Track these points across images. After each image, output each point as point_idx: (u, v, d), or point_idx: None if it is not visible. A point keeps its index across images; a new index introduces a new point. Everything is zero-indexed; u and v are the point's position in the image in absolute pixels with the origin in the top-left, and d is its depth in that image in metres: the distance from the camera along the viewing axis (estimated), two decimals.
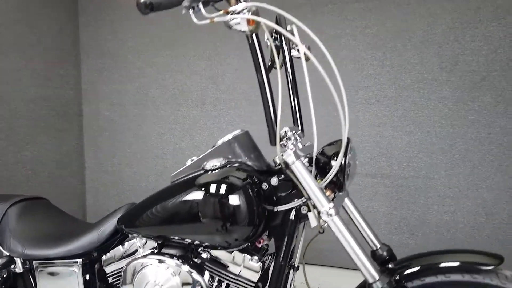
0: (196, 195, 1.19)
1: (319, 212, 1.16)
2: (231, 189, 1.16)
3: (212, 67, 3.28)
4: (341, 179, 1.15)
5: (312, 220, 1.21)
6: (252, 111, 3.19)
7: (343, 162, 1.13)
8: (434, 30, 2.76)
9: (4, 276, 1.44)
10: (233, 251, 1.22)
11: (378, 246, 1.31)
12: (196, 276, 1.18)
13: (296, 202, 1.19)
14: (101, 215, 3.57)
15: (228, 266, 1.21)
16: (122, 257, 1.34)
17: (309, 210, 1.19)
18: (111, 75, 3.56)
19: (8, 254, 1.47)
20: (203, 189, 1.19)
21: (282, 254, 1.21)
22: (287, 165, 1.14)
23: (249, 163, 1.26)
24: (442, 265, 1.10)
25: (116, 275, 1.36)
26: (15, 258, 1.44)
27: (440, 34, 2.75)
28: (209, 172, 1.21)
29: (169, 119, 3.42)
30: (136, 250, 1.32)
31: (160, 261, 1.22)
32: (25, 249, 1.46)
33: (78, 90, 3.58)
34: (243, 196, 1.15)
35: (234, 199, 1.15)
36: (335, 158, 1.14)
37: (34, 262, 1.46)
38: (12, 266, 1.44)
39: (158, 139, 3.47)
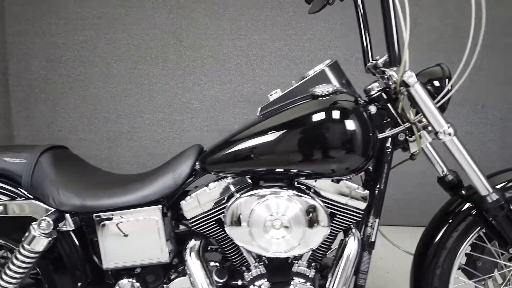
0: (309, 122, 1.12)
1: (419, 136, 1.19)
2: (351, 115, 1.12)
3: (174, 20, 3.02)
4: (446, 103, 1.20)
5: (413, 145, 1.23)
6: (220, 70, 3.05)
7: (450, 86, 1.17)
8: None
9: (53, 238, 1.15)
10: (339, 181, 1.18)
11: (446, 172, 1.39)
12: (314, 202, 1.12)
13: (398, 128, 1.19)
14: None
15: (334, 195, 1.17)
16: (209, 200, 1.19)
17: (408, 136, 1.21)
18: (46, 26, 3.02)
19: (54, 209, 1.18)
20: (319, 115, 1.12)
21: (383, 181, 1.22)
22: (407, 86, 1.13)
23: (344, 91, 1.22)
24: None
25: (200, 220, 1.20)
26: (64, 213, 1.16)
27: None
28: (321, 98, 1.13)
29: (123, 79, 3.07)
30: (226, 191, 1.18)
31: (275, 193, 1.12)
32: (84, 200, 1.19)
33: (1, 43, 2.95)
34: (362, 122, 1.12)
35: (354, 125, 1.11)
36: (443, 83, 1.17)
37: (94, 215, 1.20)
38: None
39: (110, 101, 3.09)
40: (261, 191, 1.13)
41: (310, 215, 1.11)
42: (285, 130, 1.14)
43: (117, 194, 1.20)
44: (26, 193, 1.21)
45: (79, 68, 3.06)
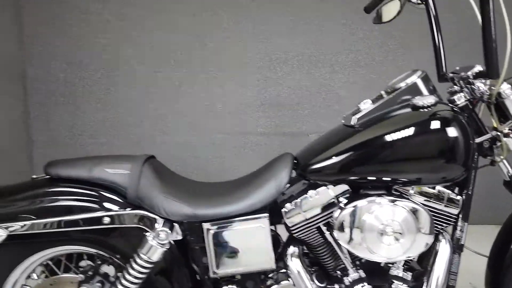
0: (415, 133, 1.18)
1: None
2: (455, 125, 1.18)
3: (198, 24, 3.02)
4: None
5: (498, 152, 1.30)
6: (244, 73, 3.08)
7: None
8: None
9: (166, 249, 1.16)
10: (434, 187, 1.24)
11: None
12: (421, 209, 1.17)
13: (486, 136, 1.26)
14: None
15: (431, 202, 1.23)
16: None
17: (494, 144, 1.28)
18: (67, 28, 2.95)
19: (163, 219, 1.18)
20: (425, 125, 1.17)
21: (470, 186, 1.29)
22: (500, 96, 1.20)
23: (444, 102, 1.28)
24: None
25: (301, 227, 1.24)
26: (163, 230, 1.16)
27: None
28: (423, 110, 1.19)
29: (146, 82, 3.04)
30: (327, 198, 1.22)
31: (385, 200, 1.17)
32: (195, 209, 1.20)
33: (19, 45, 2.87)
34: (464, 132, 1.19)
35: (458, 135, 1.18)
36: None
37: (203, 224, 1.21)
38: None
39: (133, 104, 3.06)
40: (371, 199, 1.18)
41: (419, 221, 1.17)
42: (390, 140, 1.19)
43: (225, 203, 1.22)
44: (130, 203, 1.21)
45: (100, 71, 3.01)
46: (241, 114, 3.13)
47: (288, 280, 1.27)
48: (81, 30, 2.96)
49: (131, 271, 1.18)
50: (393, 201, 1.17)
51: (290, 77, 3.11)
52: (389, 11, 1.47)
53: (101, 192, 1.21)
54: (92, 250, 1.28)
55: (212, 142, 3.13)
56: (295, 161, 1.31)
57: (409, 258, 1.23)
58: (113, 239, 1.22)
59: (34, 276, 1.32)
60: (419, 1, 1.46)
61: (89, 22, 2.96)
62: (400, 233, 1.17)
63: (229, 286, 1.25)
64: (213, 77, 3.07)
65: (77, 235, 1.20)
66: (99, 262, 1.31)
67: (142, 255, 1.17)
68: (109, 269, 1.31)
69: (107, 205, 1.20)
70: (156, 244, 1.16)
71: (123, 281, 1.18)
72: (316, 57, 3.10)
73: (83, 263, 1.34)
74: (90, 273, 1.25)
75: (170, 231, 1.17)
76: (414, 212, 1.17)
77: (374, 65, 3.14)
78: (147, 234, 1.18)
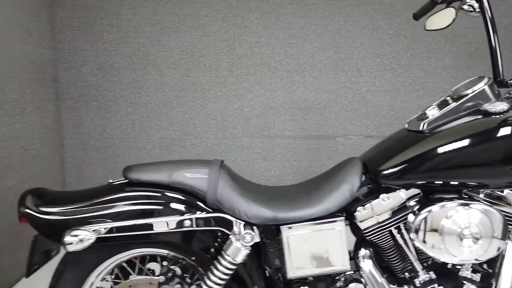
0: (490, 138, 1.21)
1: None
2: None
3: (227, 29, 3.06)
4: None
5: None
6: (272, 77, 3.12)
7: None
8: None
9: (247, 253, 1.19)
10: (503, 190, 1.28)
11: None
12: (497, 212, 1.21)
13: None
14: None
15: (499, 204, 1.27)
16: (383, 211, 1.26)
17: None
18: (98, 33, 2.99)
19: (243, 222, 1.22)
20: (502, 131, 1.20)
21: None
22: None
23: None
24: None
25: (374, 230, 1.27)
26: (247, 232, 1.20)
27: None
28: (497, 116, 1.22)
29: (176, 86, 3.08)
30: (399, 202, 1.26)
31: (464, 205, 1.21)
32: (276, 213, 1.23)
33: (51, 50, 2.90)
34: None
35: None
36: None
37: (282, 227, 1.25)
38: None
39: (163, 108, 3.10)
40: (445, 203, 1.21)
41: (494, 223, 1.20)
42: (464, 145, 1.22)
43: (303, 207, 1.25)
44: (208, 207, 1.24)
45: (131, 75, 3.05)
46: (269, 117, 3.17)
47: (357, 282, 1.30)
48: (112, 35, 2.99)
49: (216, 272, 1.21)
50: (467, 204, 1.21)
51: (317, 81, 3.15)
52: (442, 18, 1.50)
53: (180, 196, 1.24)
54: (165, 252, 1.31)
55: (240, 146, 3.17)
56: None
57: (483, 260, 1.26)
58: (190, 241, 1.25)
59: (109, 278, 1.35)
60: (472, 9, 1.49)
61: (120, 27, 2.99)
62: (478, 235, 1.20)
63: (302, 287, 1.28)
64: (241, 81, 3.11)
65: (158, 238, 1.24)
66: (171, 264, 1.34)
67: (227, 257, 1.20)
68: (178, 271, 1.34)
69: (186, 208, 1.23)
70: (241, 246, 1.20)
71: (208, 282, 1.21)
72: (343, 61, 3.15)
73: (151, 265, 1.37)
74: (169, 274, 1.28)
75: (255, 235, 1.20)
76: (488, 214, 1.21)
77: (400, 69, 3.19)
78: (231, 236, 1.21)
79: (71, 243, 1.14)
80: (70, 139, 3.06)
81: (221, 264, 1.21)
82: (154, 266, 1.38)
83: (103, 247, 1.25)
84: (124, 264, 1.34)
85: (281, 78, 3.13)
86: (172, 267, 1.32)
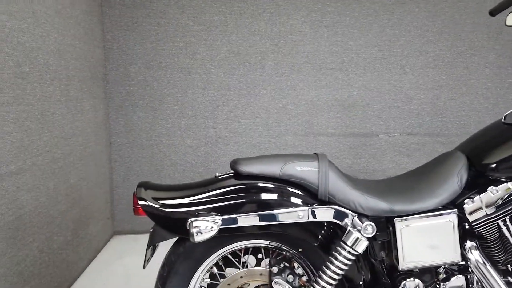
0: None
1: None
2: None
3: (273, 27, 3.09)
4: None
5: None
6: (316, 75, 3.14)
7: None
8: (486, 2, 3.15)
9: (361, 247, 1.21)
10: None
11: None
12: None
13: None
14: (131, 196, 3.06)
15: None
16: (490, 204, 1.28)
17: None
18: (146, 32, 3.02)
19: (357, 213, 1.24)
20: None
21: None
22: None
23: None
24: None
25: (483, 222, 1.29)
26: (370, 224, 1.22)
27: (489, 4, 3.16)
28: None
29: (222, 85, 3.10)
30: (508, 194, 1.28)
31: None
32: (392, 205, 1.26)
33: (100, 50, 2.93)
34: None
35: None
36: None
37: (396, 219, 1.27)
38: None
39: (209, 106, 3.12)
40: None
41: None
42: None
43: (416, 200, 1.27)
44: (318, 200, 1.26)
45: (178, 74, 3.07)
46: (313, 115, 3.19)
47: (460, 274, 1.32)
48: (160, 34, 3.02)
49: (335, 262, 1.23)
50: None
51: (361, 78, 3.17)
52: None
53: (294, 189, 1.26)
54: (272, 244, 1.32)
55: (284, 143, 3.19)
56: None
57: None
58: (299, 233, 1.27)
59: (215, 270, 1.37)
60: None
61: (168, 26, 3.02)
62: None
63: (408, 280, 1.30)
64: (286, 79, 3.13)
65: (269, 229, 1.25)
66: (276, 256, 1.36)
67: (347, 247, 1.22)
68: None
69: (297, 200, 1.25)
70: (362, 237, 1.22)
71: (328, 272, 1.23)
72: (387, 58, 3.17)
73: (246, 258, 1.39)
74: (281, 265, 1.30)
75: (375, 226, 1.22)
76: None
77: (443, 66, 3.20)
78: (349, 228, 1.23)
79: (198, 233, 1.16)
80: (118, 137, 3.08)
81: (341, 254, 1.23)
82: (250, 259, 1.40)
83: (212, 240, 1.27)
84: (229, 256, 1.36)
85: (325, 76, 3.15)
86: (283, 258, 1.34)
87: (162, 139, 3.12)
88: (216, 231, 1.18)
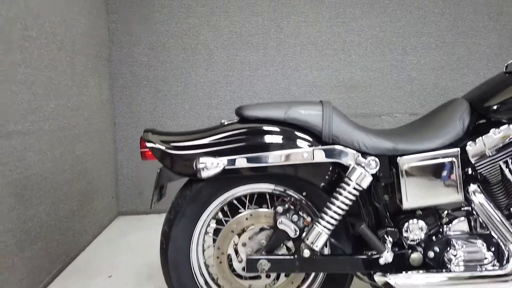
0: None
1: None
2: None
3: (275, 8, 3.12)
4: None
5: None
6: (318, 56, 3.17)
7: None
8: None
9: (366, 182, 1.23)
10: None
11: None
12: None
13: None
14: (135, 177, 3.07)
15: None
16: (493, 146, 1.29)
17: None
18: (149, 14, 3.05)
19: (361, 152, 1.26)
20: None
21: None
22: None
23: None
24: None
25: (485, 163, 1.30)
26: (373, 159, 1.24)
27: None
28: None
29: (225, 65, 3.13)
30: (510, 136, 1.29)
31: None
32: (396, 144, 1.28)
33: (104, 30, 2.97)
34: None
35: None
36: None
37: (399, 158, 1.29)
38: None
39: (212, 87, 3.15)
40: None
41: None
42: None
43: (420, 140, 1.30)
44: (322, 142, 1.28)
45: (181, 55, 3.10)
46: (315, 96, 3.21)
47: (462, 217, 1.34)
48: (164, 16, 3.06)
49: (340, 197, 1.25)
50: None
51: (363, 59, 3.20)
52: None
53: (297, 131, 1.29)
54: (277, 188, 1.34)
55: None
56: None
57: None
58: (304, 176, 1.29)
59: (220, 215, 1.39)
60: None
61: (172, 7, 3.06)
62: None
63: (411, 221, 1.31)
64: (288, 60, 3.16)
65: (274, 171, 1.27)
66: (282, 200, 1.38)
67: (351, 182, 1.24)
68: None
69: (301, 142, 1.27)
70: (365, 172, 1.24)
71: (333, 207, 1.25)
72: (389, 39, 3.19)
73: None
74: (286, 206, 1.32)
75: (379, 161, 1.24)
76: None
77: (445, 47, 3.23)
78: (352, 164, 1.25)
79: (203, 169, 1.18)
80: (122, 118, 3.11)
81: (345, 190, 1.25)
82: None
83: (218, 182, 1.29)
84: (235, 201, 1.38)
85: (328, 57, 3.18)
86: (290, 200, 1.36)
87: (165, 120, 3.15)
88: (221, 168, 1.20)
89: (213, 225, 1.38)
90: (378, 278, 1.26)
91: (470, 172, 1.34)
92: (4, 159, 1.59)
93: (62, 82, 2.14)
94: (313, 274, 1.40)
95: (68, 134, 2.20)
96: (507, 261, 1.24)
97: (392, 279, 1.23)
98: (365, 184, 1.25)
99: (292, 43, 3.15)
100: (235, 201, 1.38)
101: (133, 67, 3.08)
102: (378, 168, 1.25)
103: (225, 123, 1.35)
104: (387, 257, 1.25)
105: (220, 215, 1.39)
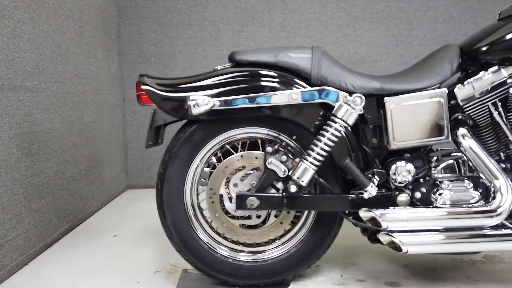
0: None
1: None
2: None
3: None
4: None
5: None
6: (323, 31, 3.18)
7: None
8: None
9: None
10: None
11: None
12: None
13: None
14: (144, 151, 3.13)
15: None
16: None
17: None
18: None
19: (349, 92, 1.29)
20: None
21: None
22: None
23: None
24: None
25: (473, 104, 1.32)
26: (357, 95, 1.27)
27: None
28: None
29: (230, 41, 3.18)
30: (498, 77, 1.30)
31: None
32: (383, 84, 1.31)
33: (114, 7, 3.04)
34: None
35: None
36: None
37: (386, 98, 1.31)
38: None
39: (217, 63, 3.19)
40: None
41: None
42: None
43: (407, 80, 1.32)
44: (312, 84, 1.32)
45: (188, 31, 3.16)
46: None
47: (451, 160, 1.36)
48: None
49: (327, 134, 1.28)
50: None
51: (368, 34, 3.20)
52: None
53: (286, 74, 1.32)
54: (268, 132, 1.38)
55: None
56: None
57: None
58: (294, 118, 1.32)
59: (214, 160, 1.43)
60: None
61: None
62: None
63: (399, 164, 1.34)
64: (293, 35, 3.18)
65: (264, 113, 1.31)
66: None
67: (337, 119, 1.28)
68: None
69: (291, 84, 1.31)
70: (352, 108, 1.27)
71: (320, 144, 1.28)
72: (394, 14, 3.18)
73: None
74: (276, 146, 1.36)
75: (364, 97, 1.28)
76: None
77: (452, 22, 3.20)
78: (339, 103, 1.28)
79: (194, 106, 1.23)
80: (131, 93, 3.19)
81: (331, 127, 1.28)
82: None
83: (212, 124, 1.34)
84: (228, 146, 1.43)
85: (333, 32, 3.19)
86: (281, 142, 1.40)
87: None
88: (212, 105, 1.25)
89: (207, 169, 1.43)
90: (364, 213, 1.28)
91: (459, 116, 1.36)
92: (12, 111, 1.67)
93: (70, 48, 2.22)
94: (304, 217, 1.44)
95: (76, 100, 2.28)
96: (493, 198, 1.26)
97: (377, 212, 1.25)
98: (350, 120, 1.28)
99: (297, 18, 3.17)
100: (228, 146, 1.43)
101: (141, 44, 3.16)
102: (363, 104, 1.28)
103: (219, 68, 1.39)
104: (371, 191, 1.27)
105: (214, 159, 1.44)
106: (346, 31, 3.19)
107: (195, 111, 1.25)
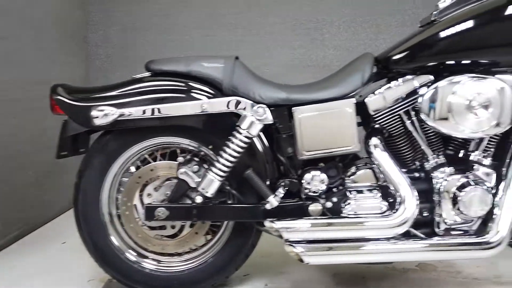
0: (501, 13, 1.22)
1: None
2: None
3: None
4: None
5: None
6: (291, 35, 3.17)
7: None
8: None
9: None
10: None
11: None
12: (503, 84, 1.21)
13: None
14: None
15: None
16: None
17: None
18: None
19: (258, 102, 1.29)
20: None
21: None
22: None
23: None
24: None
25: (383, 113, 1.31)
26: (260, 106, 1.27)
27: None
28: None
29: (198, 46, 3.17)
30: (409, 87, 1.29)
31: (472, 77, 1.23)
32: (289, 94, 1.31)
33: (84, 13, 3.07)
34: None
35: None
36: None
37: (294, 108, 1.31)
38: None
39: None
40: (453, 77, 1.23)
41: (503, 94, 1.20)
42: (476, 23, 1.24)
43: (315, 90, 1.32)
44: (224, 94, 1.32)
45: (156, 36, 3.17)
46: (287, 76, 3.19)
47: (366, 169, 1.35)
48: None
49: (231, 146, 1.28)
50: (475, 76, 1.22)
51: (336, 38, 3.18)
52: None
53: (198, 85, 1.33)
54: (185, 142, 1.38)
55: None
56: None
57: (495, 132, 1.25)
58: (208, 128, 1.33)
59: (132, 169, 1.44)
60: None
61: None
62: (486, 105, 1.21)
63: (313, 173, 1.33)
64: (259, 40, 3.17)
65: (177, 122, 1.31)
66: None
67: (242, 130, 1.28)
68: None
69: (202, 94, 1.31)
70: (255, 120, 1.27)
71: (225, 155, 1.28)
72: (362, 18, 3.16)
73: None
74: (188, 157, 1.37)
75: (268, 109, 1.27)
76: (499, 86, 1.21)
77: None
78: (244, 113, 1.28)
79: (97, 117, 1.24)
80: None
81: (236, 138, 1.28)
82: None
83: (127, 134, 1.35)
84: (147, 156, 1.43)
85: (300, 36, 3.18)
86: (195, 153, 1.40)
87: None
88: (116, 115, 1.25)
89: (124, 179, 1.43)
90: (268, 224, 1.29)
91: (375, 125, 1.35)
92: None
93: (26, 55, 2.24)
94: (223, 227, 1.44)
95: (29, 107, 2.30)
96: (396, 211, 1.25)
97: (278, 224, 1.25)
98: (254, 131, 1.28)
99: (262, 23, 3.16)
100: (147, 156, 1.43)
101: (108, 48, 3.17)
102: (266, 115, 1.28)
103: (137, 77, 1.40)
104: (272, 202, 1.27)
105: (132, 169, 1.44)
106: (313, 34, 3.18)
107: (98, 122, 1.26)
